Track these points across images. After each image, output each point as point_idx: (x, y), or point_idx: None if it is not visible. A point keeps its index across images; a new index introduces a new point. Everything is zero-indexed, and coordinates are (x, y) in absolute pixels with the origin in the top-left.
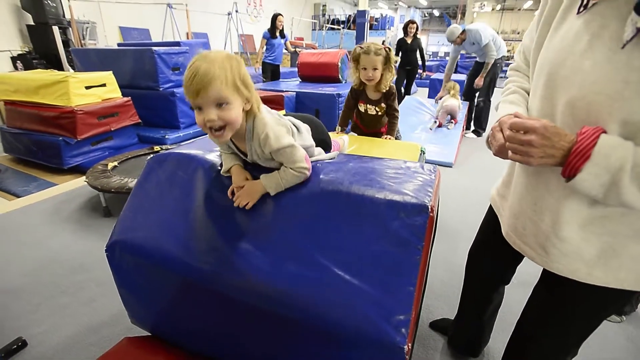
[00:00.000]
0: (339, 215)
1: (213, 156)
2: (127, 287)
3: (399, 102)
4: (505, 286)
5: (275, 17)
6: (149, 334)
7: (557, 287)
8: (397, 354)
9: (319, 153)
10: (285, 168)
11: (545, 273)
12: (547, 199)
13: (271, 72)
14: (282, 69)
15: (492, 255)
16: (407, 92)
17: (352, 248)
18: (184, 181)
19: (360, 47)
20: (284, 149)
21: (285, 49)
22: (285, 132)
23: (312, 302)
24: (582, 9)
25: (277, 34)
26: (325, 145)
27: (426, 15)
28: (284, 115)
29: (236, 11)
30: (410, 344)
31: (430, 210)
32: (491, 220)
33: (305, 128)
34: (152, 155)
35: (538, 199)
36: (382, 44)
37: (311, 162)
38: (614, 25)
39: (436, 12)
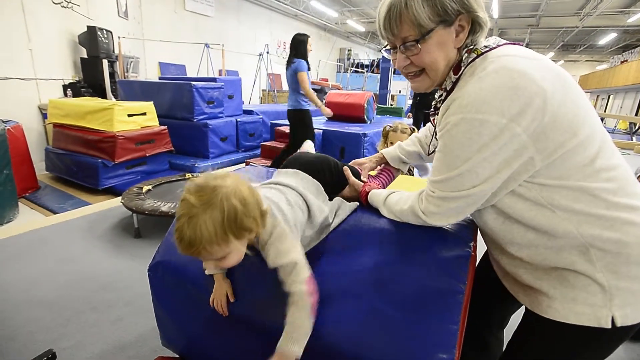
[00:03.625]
0: (381, 249)
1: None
2: (164, 308)
3: None
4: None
5: (306, 41)
6: (177, 357)
7: (534, 322)
8: None
9: (338, 207)
10: (292, 314)
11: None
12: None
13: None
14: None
15: (485, 291)
16: None
17: (397, 284)
18: None
19: (390, 126)
20: (284, 267)
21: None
22: (291, 243)
23: (356, 338)
24: None
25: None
26: (343, 185)
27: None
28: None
29: (267, 52)
30: None
31: (472, 248)
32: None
33: (316, 192)
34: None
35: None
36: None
37: (334, 219)
38: None
39: None
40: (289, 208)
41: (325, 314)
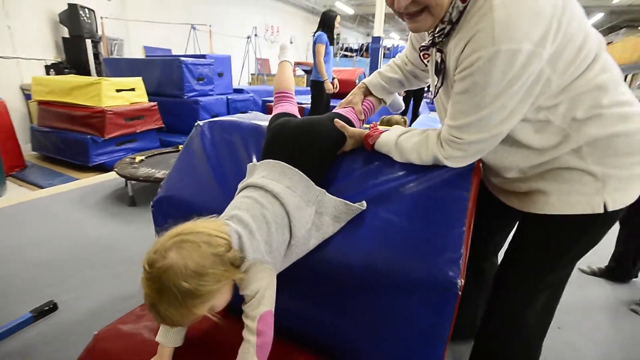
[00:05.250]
0: (387, 171)
1: (258, 123)
2: None
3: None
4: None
5: (334, 17)
6: None
7: (529, 225)
8: (451, 289)
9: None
10: (241, 352)
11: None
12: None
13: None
14: (296, 88)
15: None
16: (415, 115)
17: (403, 198)
18: (230, 144)
19: (386, 117)
20: (246, 296)
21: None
22: (260, 274)
23: (366, 252)
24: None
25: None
26: (337, 147)
27: None
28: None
29: (255, 35)
30: (462, 280)
31: (475, 164)
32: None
33: (305, 191)
34: (197, 124)
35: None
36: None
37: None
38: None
39: None
40: (267, 229)
41: (336, 236)
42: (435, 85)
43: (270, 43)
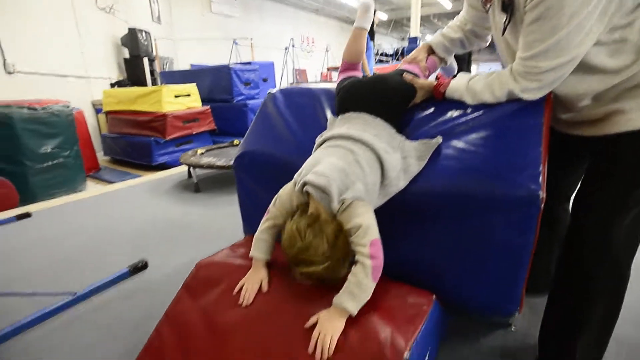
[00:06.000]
0: (462, 110)
1: (326, 87)
2: (248, 198)
3: None
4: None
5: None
6: None
7: (610, 146)
8: (534, 202)
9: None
10: (354, 273)
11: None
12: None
13: None
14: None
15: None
16: None
17: (478, 128)
18: (301, 105)
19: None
20: (351, 229)
21: None
22: (360, 209)
23: (447, 179)
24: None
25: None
26: (408, 99)
27: None
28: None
29: (292, 46)
30: (544, 194)
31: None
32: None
33: (389, 138)
34: (269, 91)
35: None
36: None
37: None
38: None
39: None
40: (361, 172)
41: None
42: (504, 22)
43: (306, 53)
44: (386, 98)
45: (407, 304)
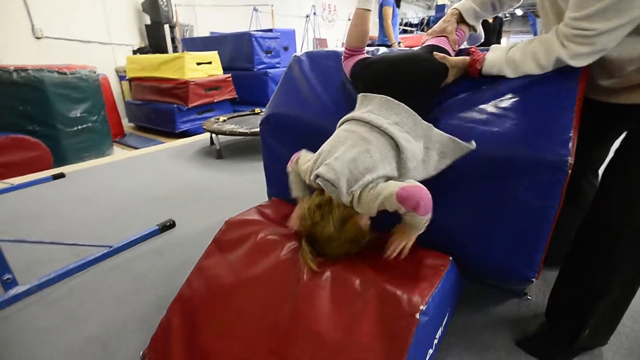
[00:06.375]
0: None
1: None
2: (274, 159)
3: None
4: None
5: None
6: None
7: None
8: (562, 167)
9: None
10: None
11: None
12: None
13: None
14: None
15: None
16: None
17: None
18: (327, 68)
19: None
20: (382, 201)
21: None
22: (378, 189)
23: (476, 136)
24: None
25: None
26: (440, 79)
27: (507, 15)
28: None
29: (314, 14)
30: (572, 159)
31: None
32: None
33: (413, 125)
34: (294, 55)
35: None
36: None
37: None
38: None
39: (519, 12)
40: (371, 163)
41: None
42: None
43: (327, 22)
44: (415, 83)
45: (425, 264)
